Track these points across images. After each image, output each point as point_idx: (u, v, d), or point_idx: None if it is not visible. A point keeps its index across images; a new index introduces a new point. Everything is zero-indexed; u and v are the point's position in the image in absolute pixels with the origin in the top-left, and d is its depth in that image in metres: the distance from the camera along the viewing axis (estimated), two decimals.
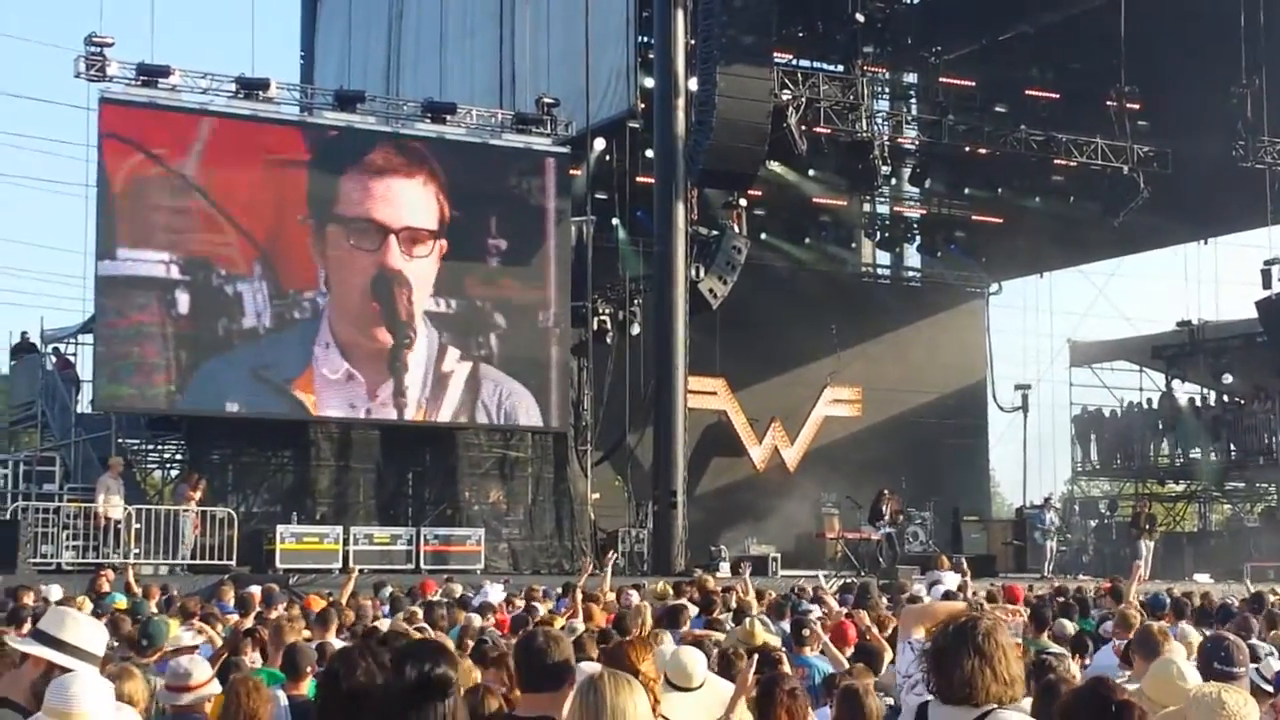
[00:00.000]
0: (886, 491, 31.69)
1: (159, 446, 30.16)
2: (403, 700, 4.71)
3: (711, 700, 7.32)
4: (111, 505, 24.27)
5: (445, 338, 28.56)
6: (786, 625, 12.83)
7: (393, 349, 27.97)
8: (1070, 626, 12.73)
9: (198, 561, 24.49)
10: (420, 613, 13.87)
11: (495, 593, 17.88)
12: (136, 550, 24.08)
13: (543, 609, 15.35)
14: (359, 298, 27.83)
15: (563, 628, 11.25)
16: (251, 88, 27.42)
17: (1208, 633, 9.20)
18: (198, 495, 25.12)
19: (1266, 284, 33.87)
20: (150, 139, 26.50)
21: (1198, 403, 40.44)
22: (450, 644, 9.97)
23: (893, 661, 8.62)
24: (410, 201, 28.28)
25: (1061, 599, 16.15)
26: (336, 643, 11.22)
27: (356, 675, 4.86)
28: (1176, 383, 40.59)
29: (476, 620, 13.84)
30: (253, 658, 10.23)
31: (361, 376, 27.67)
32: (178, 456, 29.76)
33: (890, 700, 7.87)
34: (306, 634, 11.43)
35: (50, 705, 4.96)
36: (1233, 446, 38.91)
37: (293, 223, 27.53)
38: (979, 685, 5.22)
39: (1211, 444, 39.10)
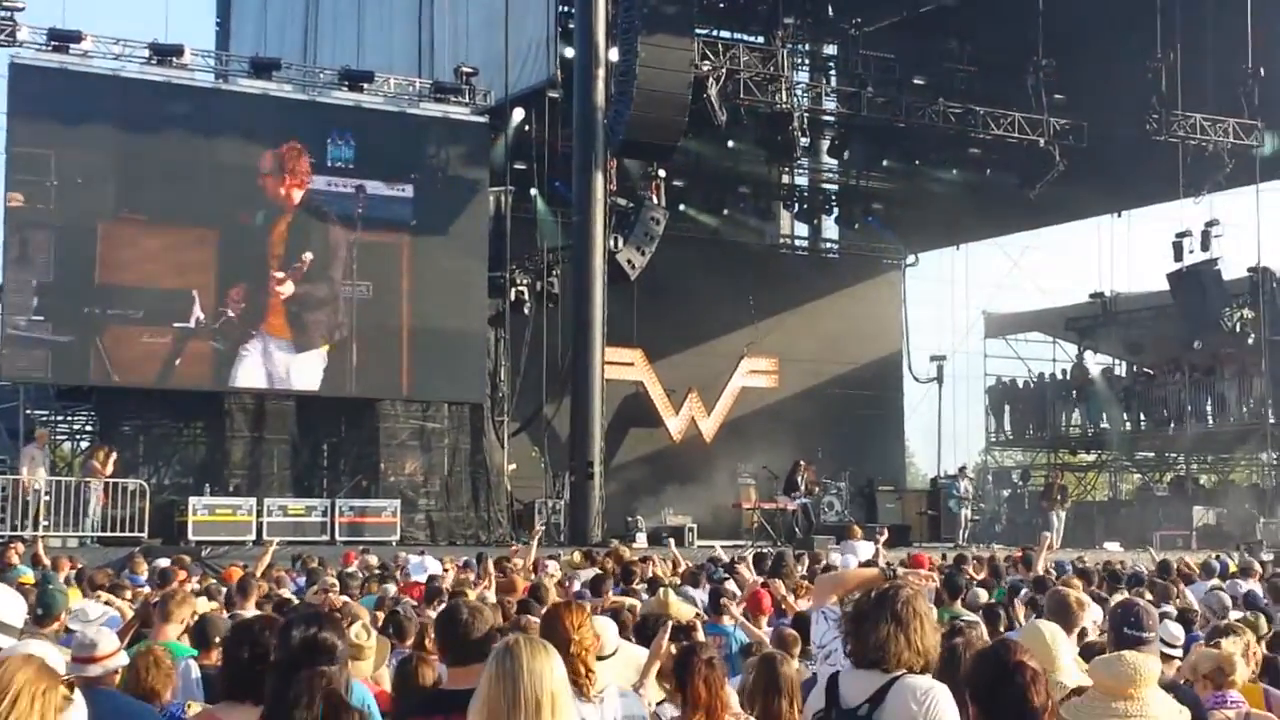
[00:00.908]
0: (802, 462, 31.85)
1: (69, 418, 29.75)
2: (290, 662, 4.68)
3: (624, 667, 7.31)
4: (37, 476, 23.96)
5: (360, 308, 28.35)
6: (704, 594, 12.85)
7: (307, 319, 27.76)
8: (983, 594, 12.84)
9: (108, 534, 24.18)
10: (336, 583, 13.79)
11: (432, 565, 17.63)
12: (46, 523, 23.73)
13: (452, 576, 15.23)
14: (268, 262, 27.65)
15: (476, 597, 11.20)
16: (165, 54, 27.04)
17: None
18: (108, 469, 24.76)
19: (1178, 256, 34.29)
20: (61, 104, 26.13)
21: (1109, 373, 40.93)
22: (364, 614, 9.93)
23: None
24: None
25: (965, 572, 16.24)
26: (252, 613, 11.14)
27: (256, 646, 4.82)
28: (1089, 354, 41.05)
29: (391, 589, 13.78)
30: (167, 632, 10.09)
31: (269, 345, 27.47)
32: (88, 428, 29.38)
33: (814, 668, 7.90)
34: (212, 605, 11.34)
35: None
36: (1143, 417, 39.41)
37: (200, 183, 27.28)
38: (891, 650, 5.29)
39: (1122, 414, 39.59)
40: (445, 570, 16.14)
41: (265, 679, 4.92)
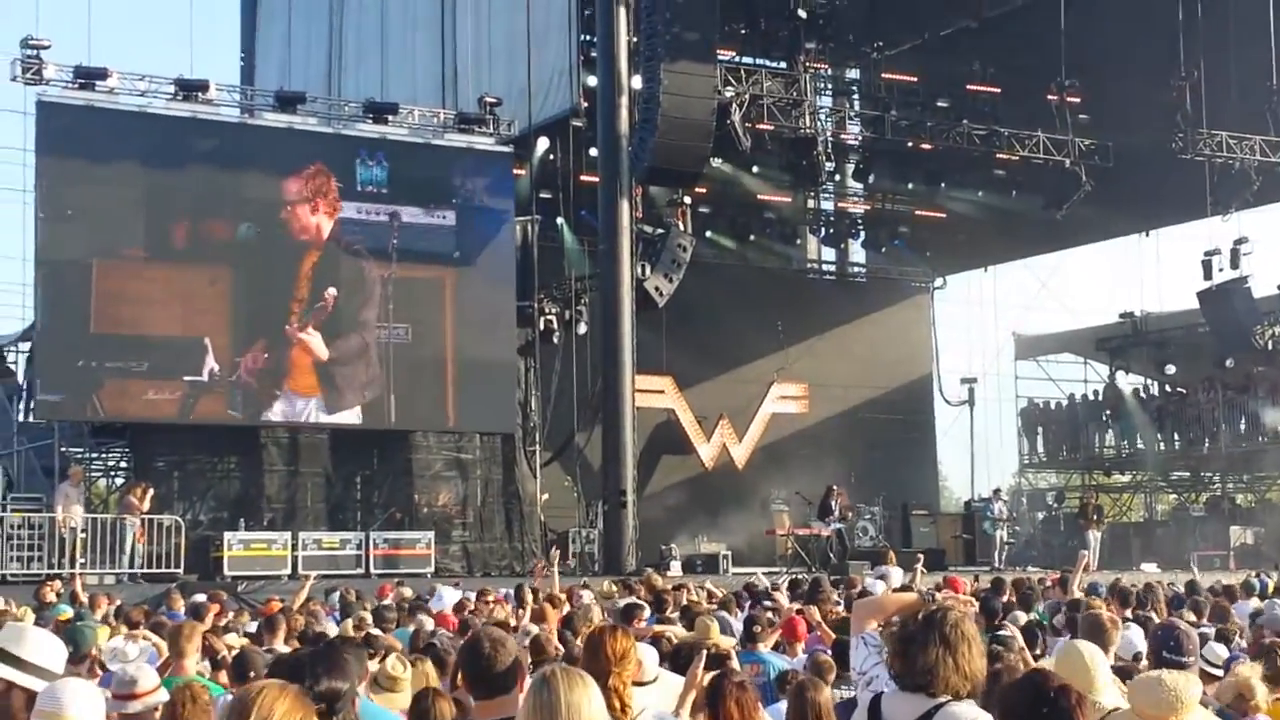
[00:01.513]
0: (835, 487, 31.74)
1: (103, 455, 29.85)
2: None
3: (663, 695, 7.29)
4: (73, 514, 24.05)
5: (396, 352, 28.29)
6: (739, 622, 12.80)
7: (339, 354, 27.80)
8: (1022, 617, 12.76)
9: (145, 570, 24.24)
10: (370, 617, 13.76)
11: (450, 595, 17.72)
12: (82, 560, 23.79)
13: (500, 611, 15.22)
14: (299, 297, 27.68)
15: (516, 630, 11.21)
16: (190, 89, 27.17)
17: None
18: (145, 505, 24.83)
19: (1207, 275, 34.12)
20: (89, 142, 26.25)
21: (1141, 393, 40.75)
22: (399, 646, 9.92)
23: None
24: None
25: (1003, 595, 16.12)
26: (284, 649, 11.14)
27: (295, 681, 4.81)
28: (1120, 374, 40.89)
29: (429, 623, 13.74)
30: (201, 666, 10.11)
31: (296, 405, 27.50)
32: (122, 464, 29.47)
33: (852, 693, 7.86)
34: (236, 640, 11.35)
35: (40, 709, 5.03)
36: (1176, 436, 39.22)
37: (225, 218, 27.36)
38: (939, 674, 5.24)
39: (1156, 434, 39.41)
40: (481, 601, 16.14)
41: None
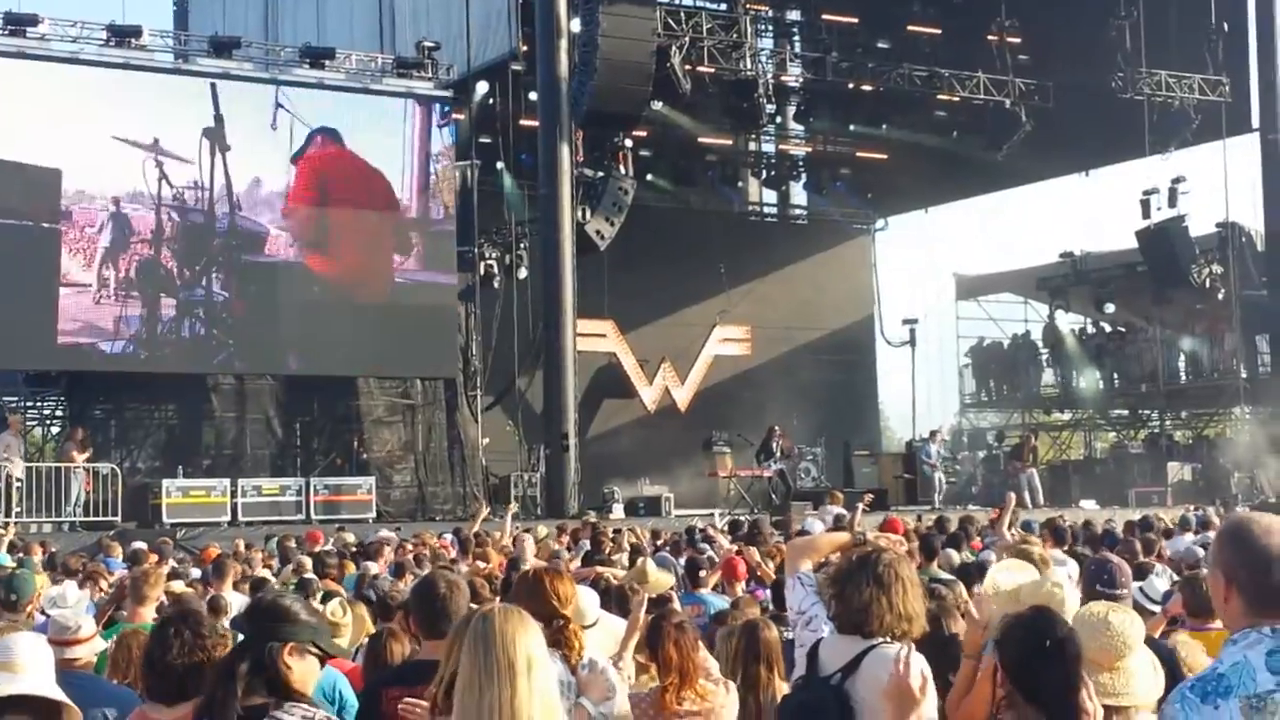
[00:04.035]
0: (777, 428, 31.86)
1: (39, 403, 29.57)
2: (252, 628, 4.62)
3: (605, 638, 7.28)
4: (15, 463, 23.85)
5: (330, 286, 28.20)
6: (682, 563, 12.84)
7: (278, 300, 27.63)
8: (957, 556, 12.83)
9: (83, 519, 24.07)
10: (309, 563, 13.71)
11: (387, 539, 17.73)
12: (18, 509, 23.59)
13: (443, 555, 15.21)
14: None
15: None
16: (123, 36, 26.79)
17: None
18: (85, 454, 24.65)
19: (1146, 214, 34.33)
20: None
21: (1081, 333, 41.04)
22: (342, 591, 9.88)
23: None
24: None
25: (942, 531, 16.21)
26: (232, 594, 11.10)
27: (170, 653, 4.77)
28: (1060, 313, 41.12)
29: (373, 568, 13.71)
30: (142, 614, 10.03)
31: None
32: (58, 413, 29.21)
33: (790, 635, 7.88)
34: (182, 587, 11.29)
35: None
36: (1115, 375, 39.54)
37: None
38: (875, 613, 5.26)
39: (1095, 373, 39.72)
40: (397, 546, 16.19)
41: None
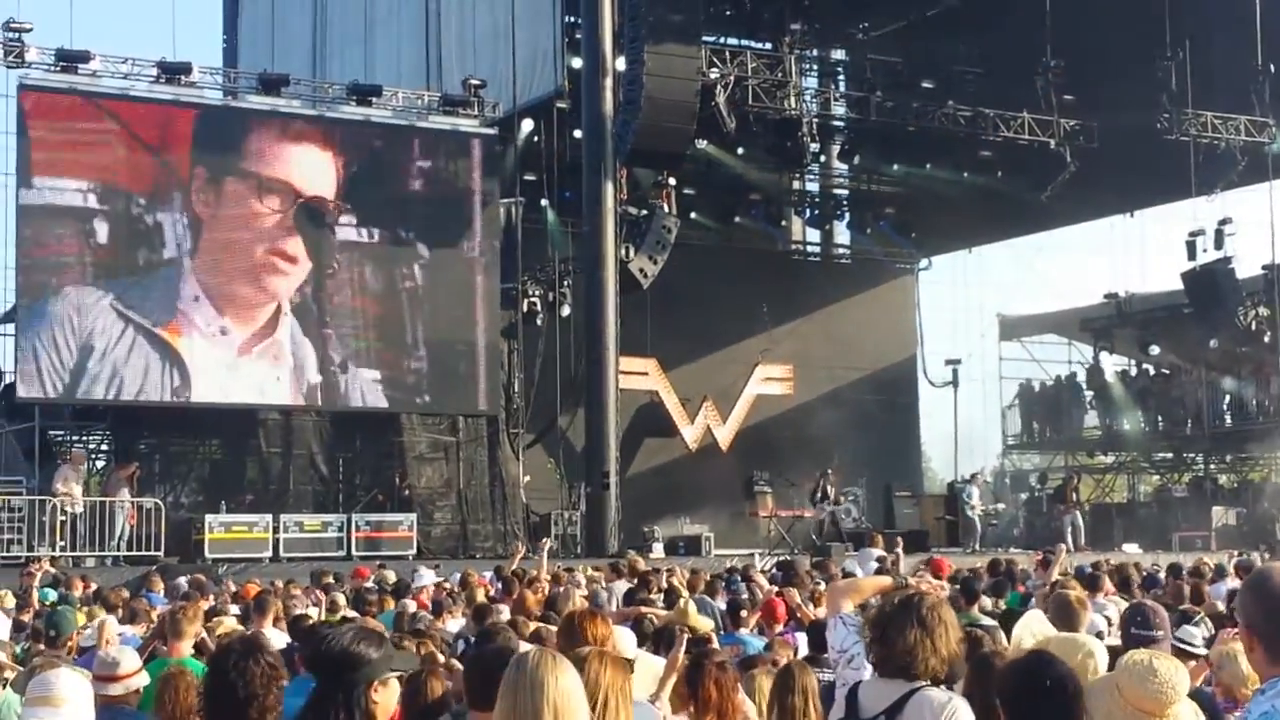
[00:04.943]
0: (830, 470, 31.61)
1: (84, 437, 29.75)
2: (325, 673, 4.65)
3: (644, 677, 7.28)
4: (74, 496, 24.06)
5: (374, 323, 28.31)
6: (723, 604, 12.82)
7: (318, 338, 27.72)
8: (989, 602, 12.76)
9: (126, 553, 24.20)
10: (343, 599, 13.74)
11: (428, 577, 17.78)
12: (63, 543, 23.75)
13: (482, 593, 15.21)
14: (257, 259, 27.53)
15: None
16: (173, 72, 27.07)
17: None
18: (135, 486, 24.90)
19: (1191, 255, 34.18)
20: (70, 126, 26.14)
21: (1125, 374, 40.80)
22: (384, 630, 9.88)
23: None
24: (315, 167, 28.05)
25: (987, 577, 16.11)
26: (273, 631, 11.13)
27: (229, 676, 4.78)
28: (1104, 354, 40.91)
29: (411, 606, 13.73)
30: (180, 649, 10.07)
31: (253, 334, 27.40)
32: (103, 447, 29.39)
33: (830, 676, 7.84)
34: (234, 623, 11.32)
35: (32, 695, 5.30)
36: (1160, 417, 39.29)
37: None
38: (919, 657, 5.24)
39: (1139, 415, 39.47)
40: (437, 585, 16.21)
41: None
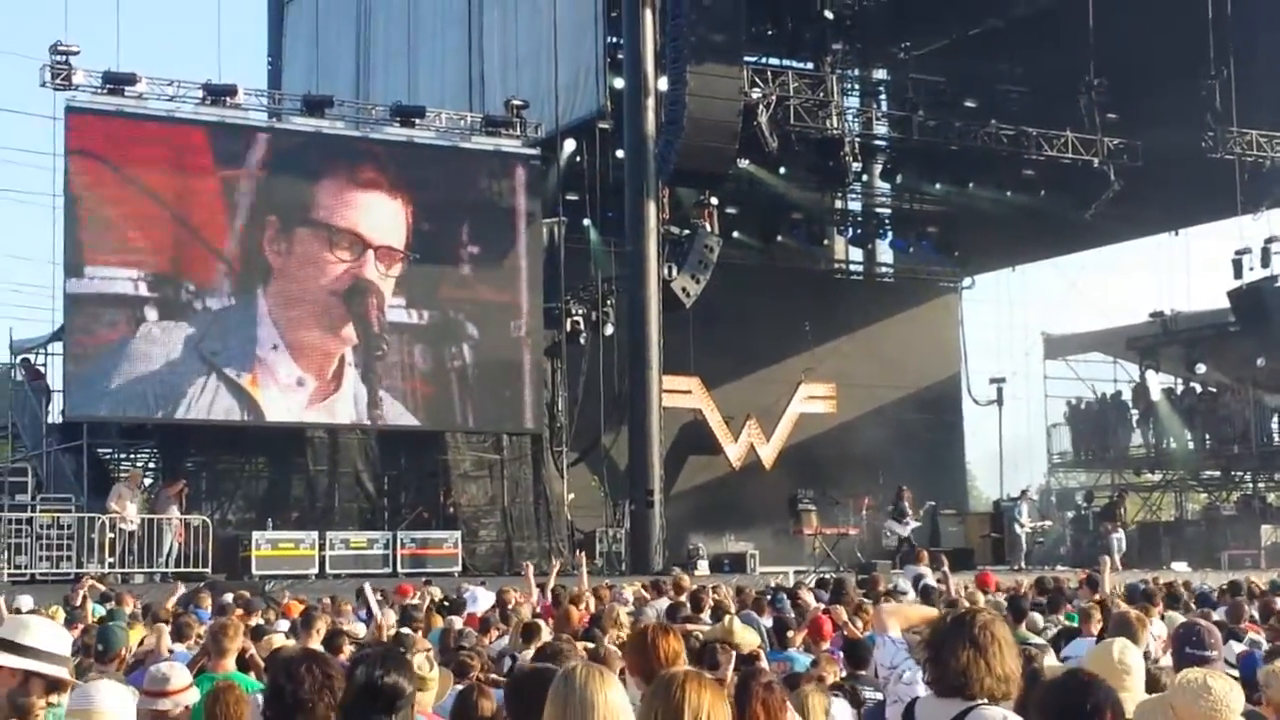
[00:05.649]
0: (904, 488, 31.41)
1: (132, 455, 29.98)
2: (354, 706, 4.66)
3: None
4: (130, 515, 24.30)
5: (418, 342, 28.42)
6: (769, 621, 12.82)
7: (364, 358, 27.83)
8: (1039, 619, 12.72)
9: (174, 569, 24.37)
10: (391, 617, 13.77)
11: (484, 598, 17.66)
12: (111, 560, 23.95)
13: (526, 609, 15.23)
14: (326, 306, 27.66)
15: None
16: (218, 94, 27.30)
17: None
18: (180, 499, 25.11)
19: (1237, 274, 33.98)
20: (117, 148, 26.35)
21: (1172, 393, 40.56)
22: (427, 646, 9.94)
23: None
24: (385, 215, 28.13)
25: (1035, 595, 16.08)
26: (320, 648, 11.17)
27: (302, 687, 4.81)
28: (1150, 373, 40.69)
29: (457, 623, 13.76)
30: (225, 665, 10.14)
31: (324, 383, 27.50)
32: (151, 465, 29.60)
33: (879, 695, 7.84)
34: (282, 639, 11.38)
35: (72, 708, 5.26)
36: (1207, 436, 39.04)
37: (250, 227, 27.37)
38: (974, 677, 5.22)
39: (1186, 433, 39.23)
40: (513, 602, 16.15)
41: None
